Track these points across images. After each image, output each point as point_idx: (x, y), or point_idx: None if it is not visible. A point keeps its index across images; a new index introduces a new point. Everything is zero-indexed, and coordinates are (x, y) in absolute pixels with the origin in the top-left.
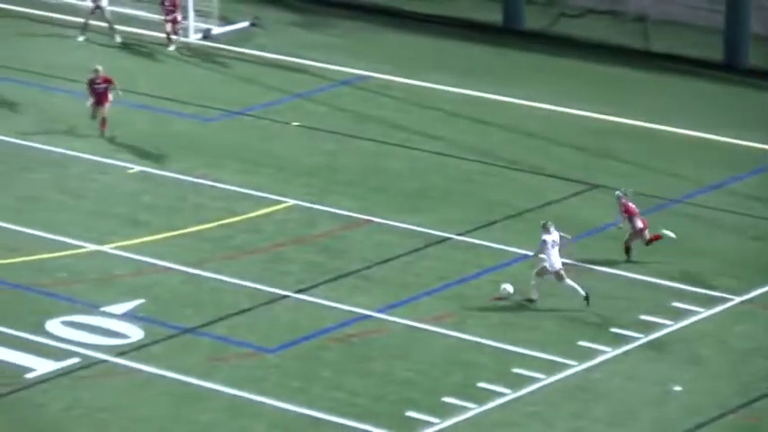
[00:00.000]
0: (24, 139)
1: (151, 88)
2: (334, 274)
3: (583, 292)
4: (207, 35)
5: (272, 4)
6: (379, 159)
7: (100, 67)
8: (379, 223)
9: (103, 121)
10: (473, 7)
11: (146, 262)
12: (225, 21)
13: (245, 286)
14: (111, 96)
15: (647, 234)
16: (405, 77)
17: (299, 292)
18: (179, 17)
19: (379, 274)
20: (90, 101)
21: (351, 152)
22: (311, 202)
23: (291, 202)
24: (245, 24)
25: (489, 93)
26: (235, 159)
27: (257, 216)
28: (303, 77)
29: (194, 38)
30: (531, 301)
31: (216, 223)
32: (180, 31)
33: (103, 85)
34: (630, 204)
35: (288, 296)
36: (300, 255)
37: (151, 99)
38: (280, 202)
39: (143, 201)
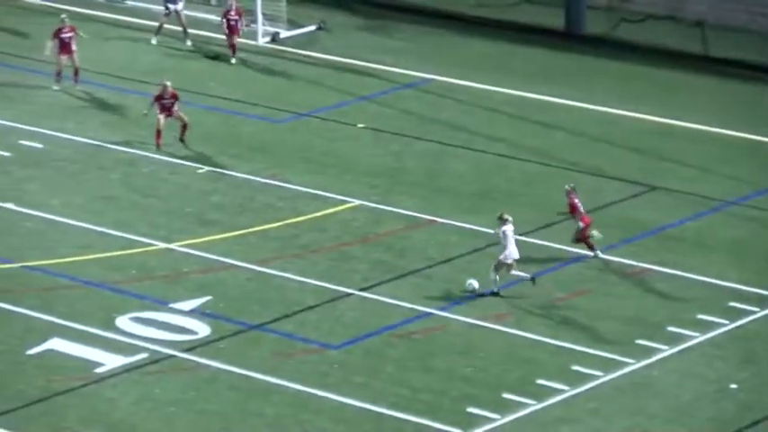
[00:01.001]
0: (98, 140)
1: (221, 90)
2: (398, 273)
3: (528, 276)
4: (275, 38)
5: (338, 8)
6: (442, 161)
7: (168, 83)
8: (442, 223)
9: (185, 127)
10: (536, 12)
11: (214, 260)
12: (292, 24)
13: (311, 284)
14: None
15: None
16: (469, 81)
17: (364, 289)
18: (241, 28)
19: (442, 272)
20: (157, 115)
21: (415, 153)
22: (376, 203)
23: (356, 202)
24: (312, 28)
25: (551, 96)
26: (301, 160)
27: (323, 216)
28: (369, 80)
29: (262, 41)
30: (495, 294)
31: (282, 222)
32: (236, 47)
33: (171, 101)
34: (576, 201)
35: (352, 294)
36: (365, 254)
37: (221, 101)
38: (345, 202)
39: (212, 200)
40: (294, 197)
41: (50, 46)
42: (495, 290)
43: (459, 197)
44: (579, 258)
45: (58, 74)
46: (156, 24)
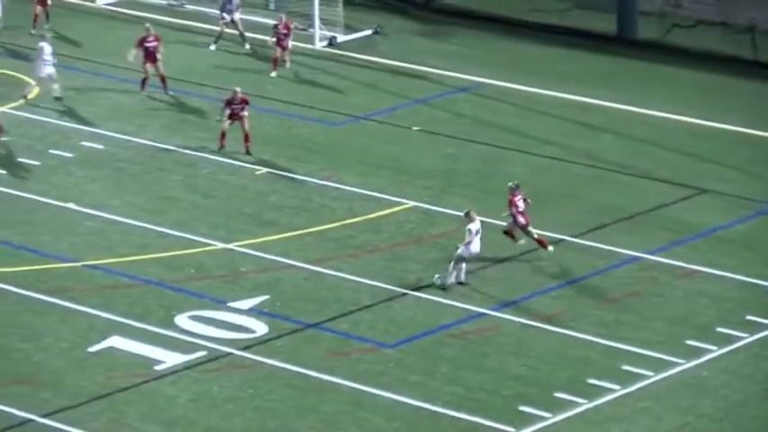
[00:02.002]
0: (158, 141)
1: (278, 93)
2: (451, 281)
3: (455, 281)
4: (332, 42)
5: (394, 13)
6: (495, 163)
7: (238, 89)
8: (495, 224)
9: (247, 137)
10: (589, 17)
11: (271, 260)
12: (349, 29)
13: (366, 284)
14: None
15: (535, 235)
16: (522, 85)
17: (418, 289)
18: (289, 43)
19: (495, 273)
20: (225, 119)
21: (469, 156)
22: (430, 204)
23: (411, 203)
24: (368, 32)
25: (602, 99)
26: (357, 162)
27: (378, 217)
28: (424, 84)
29: (320, 45)
30: (462, 284)
31: (338, 223)
32: (287, 60)
33: (241, 105)
34: (516, 199)
35: (407, 294)
36: (419, 254)
37: (278, 104)
38: (400, 204)
39: (270, 201)
40: (350, 198)
41: (134, 54)
42: (462, 280)
43: None
44: (630, 260)
45: (144, 82)
46: (216, 29)
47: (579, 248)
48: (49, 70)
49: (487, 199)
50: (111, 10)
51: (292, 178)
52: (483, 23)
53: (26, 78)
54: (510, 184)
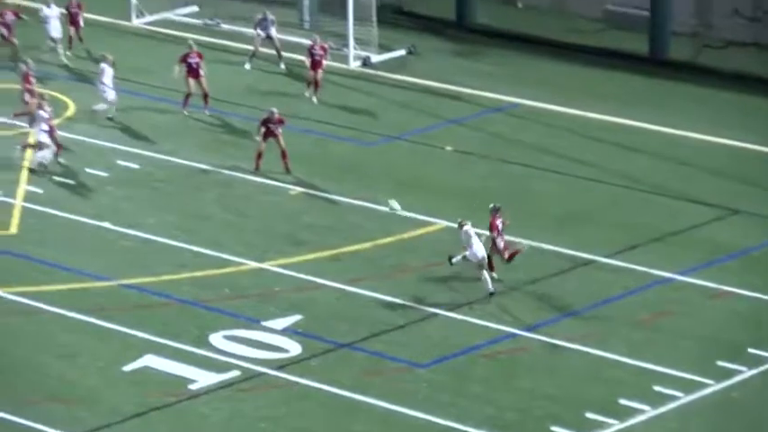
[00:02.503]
0: (193, 161)
1: (313, 113)
2: (484, 293)
3: (491, 289)
4: (366, 62)
5: (428, 34)
6: (528, 183)
7: (275, 109)
8: (528, 244)
9: (284, 154)
10: (621, 38)
11: (305, 279)
12: (383, 49)
13: (399, 304)
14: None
15: (506, 254)
16: (555, 105)
17: (451, 310)
18: (324, 65)
19: (527, 294)
20: (261, 139)
21: (502, 176)
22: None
23: (444, 223)
24: (402, 52)
25: (635, 119)
26: (391, 182)
27: (411, 236)
28: (457, 104)
29: (354, 65)
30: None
31: (372, 243)
32: (319, 84)
33: (277, 125)
34: (497, 221)
35: (439, 314)
36: (452, 274)
37: (313, 123)
38: (433, 224)
39: (303, 221)
40: (383, 218)
41: (177, 70)
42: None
43: (545, 219)
44: (662, 280)
45: (186, 98)
46: (251, 48)
47: (611, 269)
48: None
49: (520, 219)
50: (147, 29)
51: (326, 198)
52: (516, 43)
53: (61, 97)
54: (491, 205)
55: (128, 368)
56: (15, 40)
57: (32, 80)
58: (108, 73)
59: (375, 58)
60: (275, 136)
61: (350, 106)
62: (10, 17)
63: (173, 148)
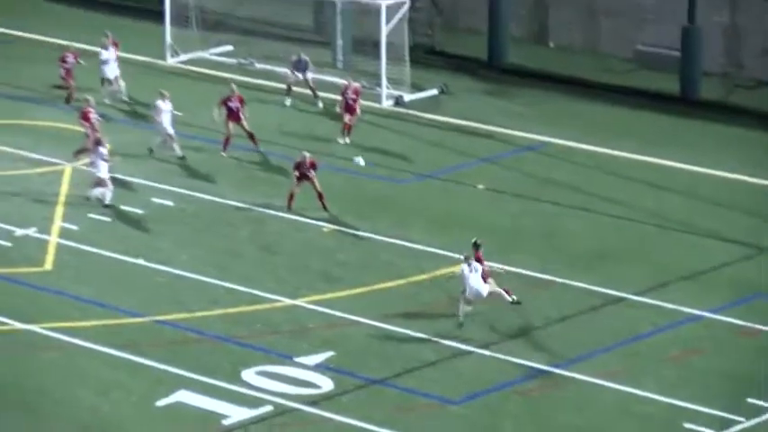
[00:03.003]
0: (227, 198)
1: (346, 151)
2: (516, 331)
3: (460, 319)
4: (398, 101)
5: (461, 73)
6: (559, 221)
7: (307, 153)
8: (558, 282)
9: (320, 196)
10: (652, 78)
11: (337, 316)
12: (415, 88)
13: (431, 340)
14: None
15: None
16: (586, 144)
17: (483, 347)
18: (359, 109)
19: (558, 331)
20: (294, 182)
21: (533, 214)
22: (495, 262)
23: None
24: (434, 91)
25: (666, 158)
26: (423, 219)
27: (443, 274)
28: (490, 143)
29: (386, 104)
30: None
31: (405, 280)
32: (351, 128)
33: (309, 169)
34: (479, 256)
35: (471, 351)
36: (484, 312)
37: (346, 162)
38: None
39: (336, 257)
40: (416, 255)
41: (217, 113)
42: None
43: (576, 256)
44: (692, 318)
45: (226, 141)
46: (285, 86)
47: (641, 306)
48: (170, 129)
49: (550, 256)
50: (181, 68)
51: (359, 235)
52: (548, 83)
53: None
54: (473, 240)
55: (161, 403)
56: (73, 83)
57: (92, 118)
58: (163, 109)
59: (408, 97)
60: (309, 179)
61: (383, 144)
62: (71, 60)
63: (207, 186)
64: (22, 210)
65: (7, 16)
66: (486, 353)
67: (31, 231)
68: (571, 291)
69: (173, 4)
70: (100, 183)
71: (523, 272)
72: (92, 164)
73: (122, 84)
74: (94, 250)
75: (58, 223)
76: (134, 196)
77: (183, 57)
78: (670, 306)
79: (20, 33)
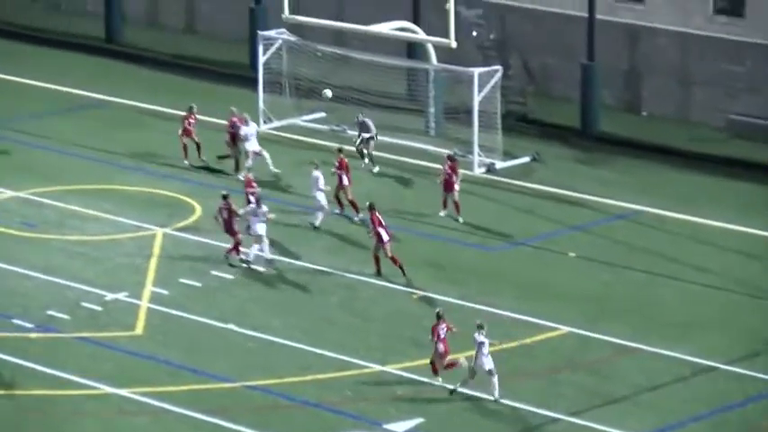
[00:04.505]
0: (319, 264)
1: (438, 218)
2: (606, 399)
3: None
4: (490, 169)
5: (552, 141)
6: (650, 289)
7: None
8: (649, 351)
9: (394, 260)
10: (745, 147)
11: (426, 383)
12: (508, 155)
13: (521, 408)
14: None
15: (445, 361)
16: (678, 213)
17: (572, 415)
18: (458, 185)
19: (648, 399)
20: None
21: (624, 282)
22: (585, 329)
23: (566, 329)
24: (526, 159)
25: (756, 228)
26: (514, 287)
27: (533, 341)
28: (581, 210)
29: (478, 171)
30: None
31: (494, 347)
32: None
33: (379, 229)
34: (440, 328)
35: (560, 419)
36: (573, 379)
37: (438, 228)
38: (555, 329)
39: (426, 324)
40: (505, 322)
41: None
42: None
43: (666, 325)
44: None
45: (341, 206)
46: (379, 153)
47: (732, 375)
48: (322, 199)
49: (641, 325)
50: (274, 134)
51: (449, 302)
52: (640, 151)
53: (188, 200)
54: (436, 310)
55: None
56: (235, 149)
57: (254, 184)
58: (321, 180)
59: (500, 164)
60: (383, 243)
61: (474, 212)
62: (241, 126)
63: (298, 251)
64: (114, 274)
65: (98, 81)
66: (576, 420)
67: (122, 296)
68: (661, 359)
69: (266, 72)
70: (258, 241)
71: (613, 340)
72: (248, 227)
73: (266, 155)
74: (185, 315)
75: (149, 288)
76: (225, 261)
77: (276, 123)
78: (761, 376)
79: (111, 98)
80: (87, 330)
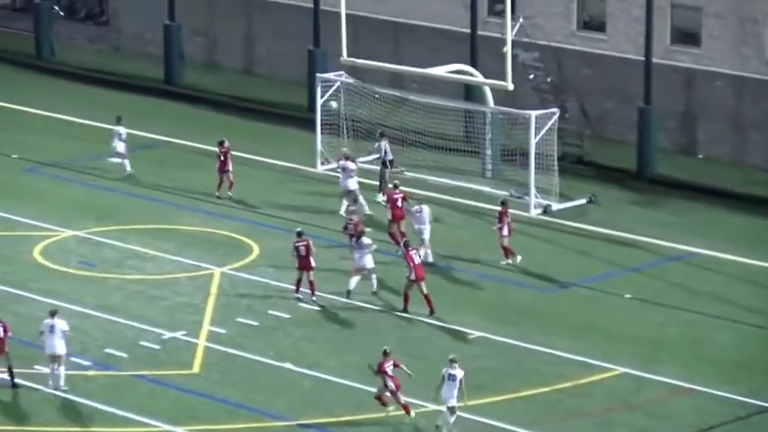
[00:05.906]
0: (374, 303)
1: (494, 260)
2: None
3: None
4: (546, 210)
5: (608, 183)
6: (704, 331)
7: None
8: (703, 392)
9: (426, 298)
10: None
11: (481, 422)
12: (563, 197)
13: None
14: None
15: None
16: (733, 255)
17: None
18: (505, 229)
19: None
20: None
21: (678, 323)
22: (639, 370)
23: (621, 369)
24: (582, 201)
25: None
26: (568, 328)
27: (588, 382)
28: (636, 252)
29: (534, 213)
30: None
31: (549, 388)
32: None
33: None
34: (386, 365)
35: None
36: (628, 420)
37: (493, 269)
38: (609, 370)
39: (481, 364)
40: (560, 363)
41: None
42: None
43: (720, 367)
44: None
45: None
46: (437, 195)
47: None
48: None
49: (694, 366)
50: (332, 175)
51: (504, 342)
52: (695, 194)
53: (246, 240)
54: (384, 348)
55: None
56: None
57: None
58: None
59: (556, 206)
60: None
61: (530, 253)
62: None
63: (354, 290)
64: (171, 313)
65: (157, 122)
66: None
67: (180, 334)
68: (715, 400)
69: (324, 113)
70: (360, 272)
71: (668, 380)
72: (359, 256)
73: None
74: (243, 354)
75: (206, 327)
76: (282, 301)
77: (334, 164)
78: None
79: (170, 139)
80: (145, 368)
